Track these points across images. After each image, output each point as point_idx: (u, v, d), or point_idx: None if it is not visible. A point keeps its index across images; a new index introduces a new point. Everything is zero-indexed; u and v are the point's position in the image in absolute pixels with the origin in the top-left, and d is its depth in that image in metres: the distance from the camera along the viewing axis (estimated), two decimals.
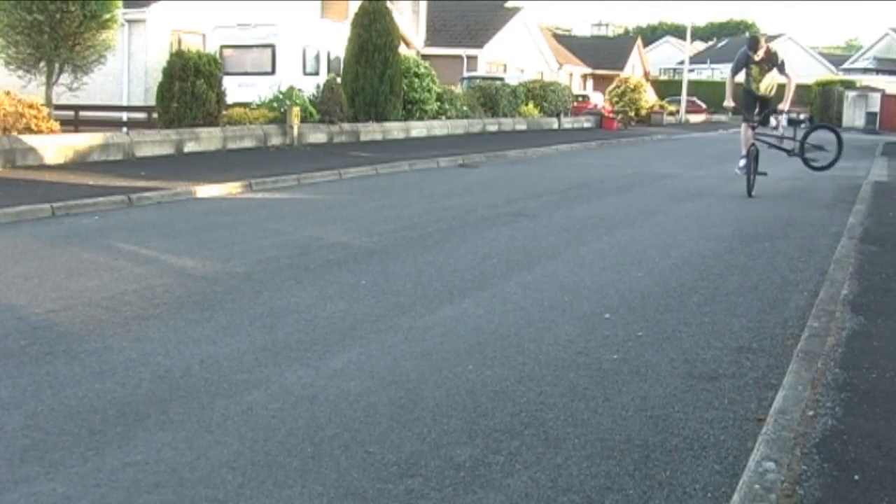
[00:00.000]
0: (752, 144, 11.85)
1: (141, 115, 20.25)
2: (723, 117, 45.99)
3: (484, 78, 31.51)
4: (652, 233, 9.06)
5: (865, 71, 54.93)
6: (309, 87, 19.80)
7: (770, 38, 12.47)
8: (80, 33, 14.99)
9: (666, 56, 72.72)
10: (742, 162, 12.05)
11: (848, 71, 57.51)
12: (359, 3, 21.04)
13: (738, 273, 7.06)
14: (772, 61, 11.54)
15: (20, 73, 15.38)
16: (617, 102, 41.29)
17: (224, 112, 16.78)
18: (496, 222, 9.46)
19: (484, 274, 6.81)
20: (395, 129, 21.06)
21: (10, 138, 12.32)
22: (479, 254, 7.61)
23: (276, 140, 17.16)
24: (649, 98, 44.86)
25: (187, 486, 3.15)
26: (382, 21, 20.60)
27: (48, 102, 14.74)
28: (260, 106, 18.33)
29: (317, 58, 23.05)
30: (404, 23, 29.95)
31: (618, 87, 43.08)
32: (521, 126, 28.24)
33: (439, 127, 23.25)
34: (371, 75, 20.35)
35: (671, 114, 45.41)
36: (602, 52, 53.97)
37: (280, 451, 3.46)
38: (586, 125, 33.63)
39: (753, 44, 11.63)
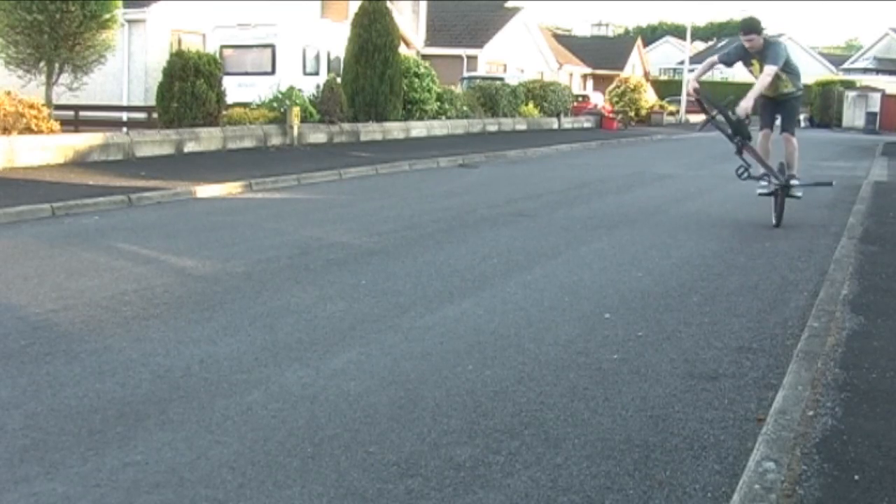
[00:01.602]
0: (780, 163, 9.51)
1: (141, 115, 20.26)
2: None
3: (484, 78, 31.49)
4: (652, 233, 9.05)
5: (865, 71, 54.95)
6: (309, 87, 19.79)
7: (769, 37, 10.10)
8: (80, 33, 14.98)
9: (666, 56, 72.64)
10: (764, 182, 9.58)
11: (848, 71, 57.51)
12: (359, 3, 21.04)
13: (738, 273, 7.06)
14: (766, 54, 9.10)
15: (20, 73, 15.37)
16: (617, 102, 41.28)
17: (224, 112, 16.78)
18: (496, 222, 9.46)
19: (484, 274, 6.81)
20: (395, 129, 21.05)
21: (10, 138, 12.32)
22: (479, 254, 7.61)
23: (276, 140, 17.16)
24: (649, 98, 44.85)
25: (187, 486, 3.15)
26: (382, 21, 20.60)
27: (48, 102, 14.73)
28: (260, 106, 18.33)
29: (317, 58, 23.06)
30: (404, 23, 29.95)
31: (618, 87, 43.07)
32: (521, 126, 28.22)
33: (439, 127, 23.24)
34: (371, 75, 20.35)
35: (671, 114, 45.37)
36: (602, 52, 53.91)
37: (280, 451, 3.46)
38: (586, 125, 33.62)
39: (752, 26, 9.24)
